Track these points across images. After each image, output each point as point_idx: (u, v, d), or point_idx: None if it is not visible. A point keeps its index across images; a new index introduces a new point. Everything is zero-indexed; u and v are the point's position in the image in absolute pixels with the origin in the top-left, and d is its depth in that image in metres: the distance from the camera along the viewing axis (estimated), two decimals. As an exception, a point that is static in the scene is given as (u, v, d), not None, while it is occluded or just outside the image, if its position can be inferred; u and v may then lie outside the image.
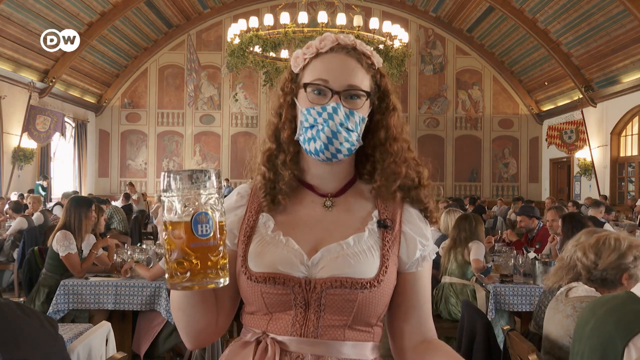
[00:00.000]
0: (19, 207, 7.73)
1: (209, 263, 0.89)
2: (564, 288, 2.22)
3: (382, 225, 1.11)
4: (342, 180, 1.15)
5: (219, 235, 0.91)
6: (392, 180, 1.12)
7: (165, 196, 0.90)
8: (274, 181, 1.13)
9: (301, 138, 1.11)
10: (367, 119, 1.11)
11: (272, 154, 1.15)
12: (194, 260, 0.88)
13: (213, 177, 0.90)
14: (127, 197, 11.40)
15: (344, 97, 1.08)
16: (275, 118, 1.16)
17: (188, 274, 0.89)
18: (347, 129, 1.07)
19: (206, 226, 0.89)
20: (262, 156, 1.16)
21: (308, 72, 1.12)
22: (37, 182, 11.88)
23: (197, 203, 0.89)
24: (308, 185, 1.15)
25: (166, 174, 0.89)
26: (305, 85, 1.10)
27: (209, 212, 0.89)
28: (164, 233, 0.91)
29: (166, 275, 0.91)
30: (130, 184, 12.03)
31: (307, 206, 1.14)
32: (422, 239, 1.13)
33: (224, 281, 0.92)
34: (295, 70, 1.15)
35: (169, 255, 0.90)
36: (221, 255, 0.91)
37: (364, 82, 1.10)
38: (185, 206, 0.88)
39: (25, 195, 9.77)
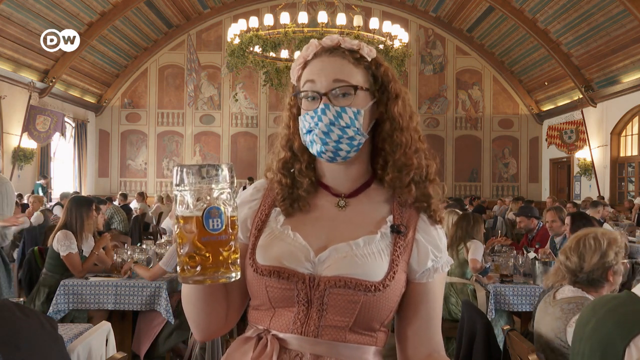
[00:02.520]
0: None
1: (220, 257, 0.90)
2: (551, 290, 2.23)
3: (396, 230, 1.09)
4: (356, 182, 1.15)
5: (230, 230, 0.91)
6: (405, 172, 1.11)
7: (177, 190, 0.90)
8: (291, 187, 1.14)
9: (306, 144, 1.12)
10: (363, 111, 1.09)
11: (287, 161, 1.16)
12: (205, 255, 0.89)
13: (226, 172, 0.90)
14: (124, 196, 11.42)
15: (332, 97, 1.08)
16: (285, 130, 1.18)
17: (199, 268, 0.89)
18: (341, 127, 1.07)
19: (217, 220, 0.89)
20: (277, 164, 1.17)
21: (301, 82, 1.13)
22: (37, 182, 11.88)
23: (209, 197, 0.89)
24: (324, 186, 1.16)
25: (178, 168, 0.89)
26: (296, 96, 1.13)
27: (221, 206, 0.89)
28: (176, 227, 0.91)
29: (178, 269, 0.92)
30: (140, 194, 12.10)
31: (320, 205, 1.14)
32: (435, 249, 1.11)
33: (235, 275, 0.92)
34: (294, 83, 1.17)
35: (180, 248, 0.90)
36: (232, 249, 0.91)
37: (353, 76, 1.09)
38: (197, 200, 0.89)
39: (27, 196, 9.77)
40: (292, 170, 1.15)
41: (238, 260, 0.93)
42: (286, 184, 1.14)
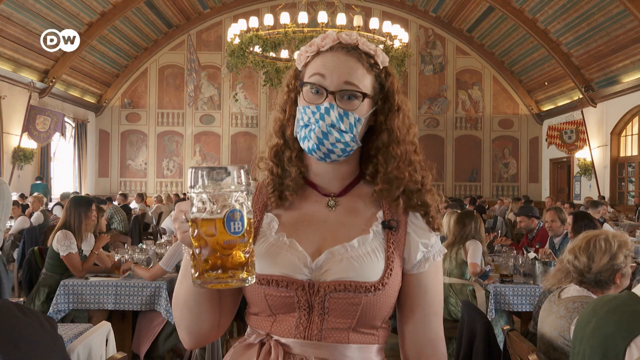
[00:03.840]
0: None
1: (241, 260, 0.89)
2: (556, 289, 2.22)
3: (387, 226, 1.09)
4: (345, 180, 1.14)
5: (248, 233, 0.91)
6: (395, 185, 1.09)
7: (194, 192, 0.89)
8: (281, 177, 1.12)
9: (297, 136, 1.10)
10: (363, 119, 1.08)
11: (279, 149, 1.14)
12: (225, 258, 0.88)
13: (242, 174, 0.90)
14: (124, 196, 11.42)
15: (339, 98, 1.06)
16: (280, 114, 1.16)
17: (220, 271, 0.88)
18: (340, 130, 1.05)
19: (238, 223, 0.88)
20: (270, 151, 1.15)
21: (308, 70, 1.11)
22: (40, 182, 11.86)
23: (227, 200, 0.88)
24: (312, 184, 1.14)
25: (194, 170, 0.89)
26: (302, 84, 1.10)
27: (240, 209, 0.89)
28: (190, 230, 0.89)
29: (193, 272, 0.90)
30: (139, 195, 12.12)
31: (311, 205, 1.13)
32: (426, 240, 1.11)
33: (251, 279, 0.91)
34: (299, 68, 1.14)
35: (198, 252, 0.89)
36: (251, 252, 0.91)
37: (364, 81, 1.08)
38: (214, 203, 0.88)
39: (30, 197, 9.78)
40: (281, 159, 1.13)
41: (254, 264, 0.93)
42: (277, 174, 1.13)
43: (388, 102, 1.12)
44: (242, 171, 0.90)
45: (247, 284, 0.91)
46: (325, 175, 1.13)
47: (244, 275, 0.90)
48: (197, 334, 1.10)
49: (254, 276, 0.92)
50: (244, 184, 0.90)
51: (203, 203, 0.88)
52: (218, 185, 0.88)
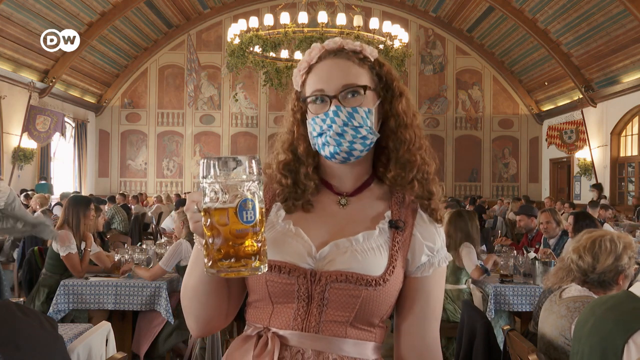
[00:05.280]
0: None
1: (253, 249, 0.90)
2: (557, 289, 2.23)
3: (394, 225, 1.11)
4: (358, 180, 1.16)
5: (260, 222, 0.92)
6: (408, 169, 1.11)
7: (206, 182, 0.90)
8: (293, 188, 1.13)
9: (316, 147, 1.12)
10: (373, 109, 1.10)
11: (287, 163, 1.15)
12: (238, 247, 0.89)
13: (254, 164, 0.91)
14: (123, 196, 11.42)
15: (342, 99, 1.08)
16: (288, 135, 1.17)
17: (232, 260, 0.89)
18: (354, 127, 1.07)
19: (251, 213, 0.89)
20: (278, 165, 1.16)
21: (307, 87, 1.13)
22: (45, 182, 11.84)
23: (239, 189, 0.89)
24: (327, 184, 1.16)
25: (206, 160, 0.90)
26: (305, 101, 1.12)
27: (252, 198, 0.90)
28: (202, 219, 0.90)
29: (206, 261, 0.91)
30: (134, 197, 12.13)
31: (322, 202, 1.15)
32: (431, 244, 1.12)
33: (263, 268, 0.92)
34: (298, 89, 1.16)
35: (211, 241, 0.90)
36: (263, 241, 0.92)
37: (360, 77, 1.10)
38: (227, 192, 0.89)
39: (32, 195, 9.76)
40: (292, 172, 1.15)
41: (266, 252, 0.94)
42: (286, 185, 1.14)
43: (390, 89, 1.15)
44: (253, 161, 0.91)
45: (259, 273, 0.92)
46: (343, 176, 1.15)
47: (256, 264, 0.91)
48: (205, 322, 1.12)
49: (266, 265, 0.93)
50: (255, 173, 0.91)
51: (215, 193, 0.89)
52: (229, 175, 0.89)
